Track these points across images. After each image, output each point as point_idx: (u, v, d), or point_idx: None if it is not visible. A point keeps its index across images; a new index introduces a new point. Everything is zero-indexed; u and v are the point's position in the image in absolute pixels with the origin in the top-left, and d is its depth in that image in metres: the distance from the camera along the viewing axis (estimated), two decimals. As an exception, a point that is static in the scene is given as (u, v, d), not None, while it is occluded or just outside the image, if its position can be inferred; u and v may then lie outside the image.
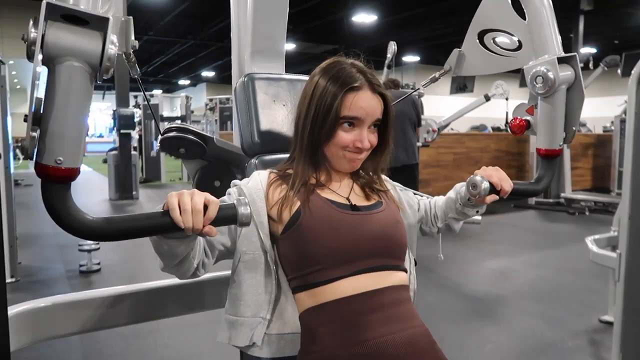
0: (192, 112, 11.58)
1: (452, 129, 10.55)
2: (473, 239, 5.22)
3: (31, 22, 0.74)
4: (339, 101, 0.99)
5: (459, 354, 2.63)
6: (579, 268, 4.11)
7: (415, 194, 1.26)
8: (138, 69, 1.20)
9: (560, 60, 1.22)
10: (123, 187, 7.94)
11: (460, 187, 1.15)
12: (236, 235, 1.03)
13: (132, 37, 0.87)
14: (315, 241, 0.98)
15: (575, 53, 1.24)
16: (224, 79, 22.75)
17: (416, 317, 1.01)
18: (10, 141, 3.77)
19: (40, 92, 0.77)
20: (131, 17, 0.86)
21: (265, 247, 1.02)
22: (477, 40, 1.37)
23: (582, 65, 1.29)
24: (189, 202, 0.80)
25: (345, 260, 0.98)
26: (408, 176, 4.24)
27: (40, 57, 0.74)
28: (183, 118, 10.78)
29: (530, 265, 4.41)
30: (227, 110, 10.66)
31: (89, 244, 4.01)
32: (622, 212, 1.99)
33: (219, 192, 0.97)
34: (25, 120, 0.76)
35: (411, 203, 1.20)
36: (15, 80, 18.24)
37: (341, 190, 1.07)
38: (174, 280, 1.32)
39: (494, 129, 14.34)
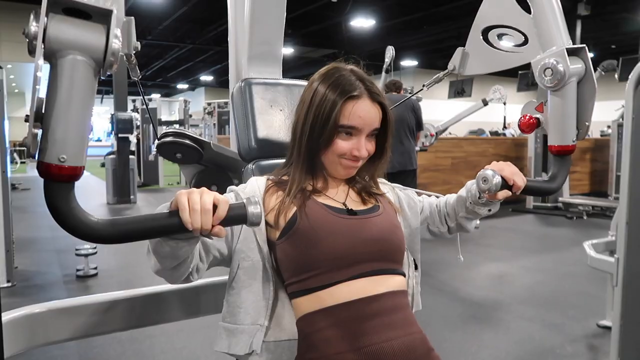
0: (191, 116, 11.57)
1: (450, 133, 10.58)
2: (471, 243, 5.22)
3: (32, 16, 0.71)
4: (337, 110, 0.99)
5: (456, 359, 2.63)
6: (577, 273, 4.11)
7: (420, 193, 1.24)
8: (138, 71, 1.18)
9: (570, 53, 1.17)
10: (121, 191, 7.93)
11: (471, 185, 1.10)
12: (232, 243, 1.02)
13: (134, 39, 0.85)
14: (311, 246, 0.98)
15: (585, 45, 1.19)
16: (222, 83, 22.76)
17: (414, 324, 1.01)
18: (7, 145, 3.76)
19: (42, 92, 0.74)
20: (132, 18, 0.84)
21: (263, 253, 1.01)
22: (481, 38, 1.32)
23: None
24: (198, 201, 0.77)
25: (342, 264, 0.98)
26: (404, 182, 4.23)
27: (42, 51, 0.72)
28: (181, 122, 10.77)
29: (528, 269, 4.41)
30: (226, 114, 10.68)
31: (86, 248, 4.00)
32: (620, 216, 1.99)
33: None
34: (26, 121, 0.73)
35: (412, 204, 1.18)
36: (14, 84, 18.24)
37: (337, 196, 1.07)
38: (170, 286, 1.32)
39: (492, 133, 14.36)
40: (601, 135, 11.21)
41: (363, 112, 1.00)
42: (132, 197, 7.99)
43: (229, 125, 8.92)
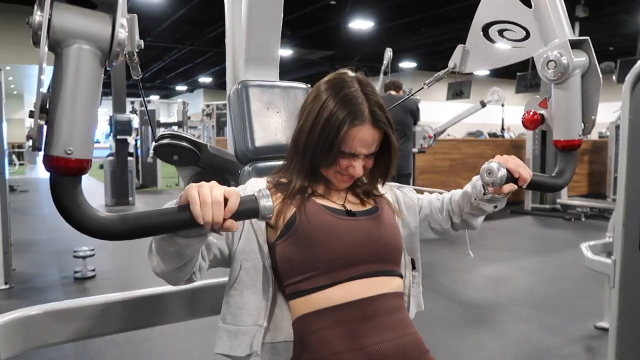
0: (189, 118, 11.57)
1: (448, 135, 10.58)
2: (469, 244, 5.22)
3: (36, 6, 0.69)
4: (342, 136, 0.98)
5: (454, 360, 2.63)
6: (575, 274, 4.11)
7: (422, 191, 1.24)
8: (140, 70, 1.16)
9: (573, 45, 1.14)
10: (119, 193, 7.91)
11: (477, 180, 1.08)
12: (233, 243, 1.02)
13: (137, 36, 0.83)
14: (310, 247, 0.98)
15: (588, 37, 1.15)
16: (221, 85, 22.63)
17: (409, 326, 1.01)
18: (6, 147, 3.76)
19: (46, 87, 0.73)
20: (135, 15, 0.82)
21: (263, 254, 1.01)
22: (482, 34, 1.30)
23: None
24: (209, 194, 0.76)
25: (341, 266, 0.98)
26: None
27: (46, 41, 0.70)
28: (180, 124, 10.77)
29: (526, 271, 4.41)
30: (224, 116, 10.67)
31: (84, 250, 3.99)
32: (617, 218, 2.00)
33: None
34: (30, 116, 0.72)
35: (410, 203, 1.17)
36: (12, 86, 18.22)
37: (336, 197, 1.08)
38: (168, 288, 1.31)
39: (490, 135, 14.37)
40: (599, 137, 11.23)
41: (363, 139, 1.00)
42: (130, 198, 7.98)
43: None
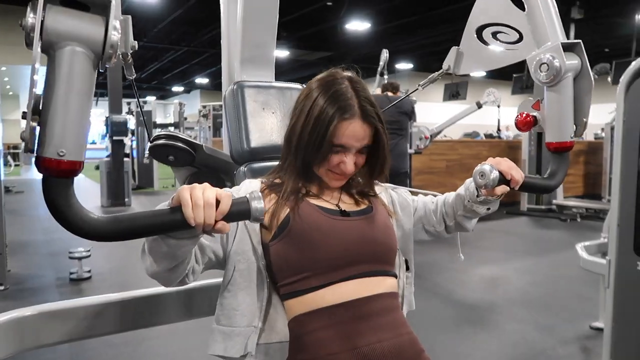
0: (186, 118, 11.55)
1: (444, 136, 10.59)
2: (465, 245, 5.19)
3: (29, 8, 0.70)
4: (332, 129, 0.99)
5: (450, 361, 2.64)
6: (571, 275, 4.12)
7: (416, 193, 1.24)
8: (134, 71, 1.16)
9: (565, 48, 1.16)
10: (115, 194, 7.90)
11: (470, 183, 1.09)
12: (227, 245, 1.02)
13: (131, 37, 0.84)
14: (305, 247, 0.98)
15: (580, 40, 1.17)
16: (217, 85, 22.74)
17: (404, 326, 1.02)
18: (1, 147, 3.75)
19: (39, 89, 0.73)
20: (130, 16, 0.82)
21: (257, 255, 1.01)
22: (476, 37, 1.31)
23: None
24: (201, 196, 0.76)
25: (335, 266, 0.98)
26: (397, 184, 4.24)
27: (39, 43, 0.70)
28: (176, 125, 10.76)
29: (521, 272, 4.42)
30: (221, 117, 10.61)
31: (80, 251, 3.98)
32: (612, 219, 2.01)
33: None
34: (23, 117, 0.72)
35: (405, 205, 1.18)
36: (8, 87, 18.18)
37: (330, 197, 1.08)
38: (164, 288, 1.30)
39: (486, 136, 14.41)
40: (595, 138, 11.27)
41: (353, 133, 1.01)
42: (126, 199, 7.97)
43: (224, 127, 8.89)
